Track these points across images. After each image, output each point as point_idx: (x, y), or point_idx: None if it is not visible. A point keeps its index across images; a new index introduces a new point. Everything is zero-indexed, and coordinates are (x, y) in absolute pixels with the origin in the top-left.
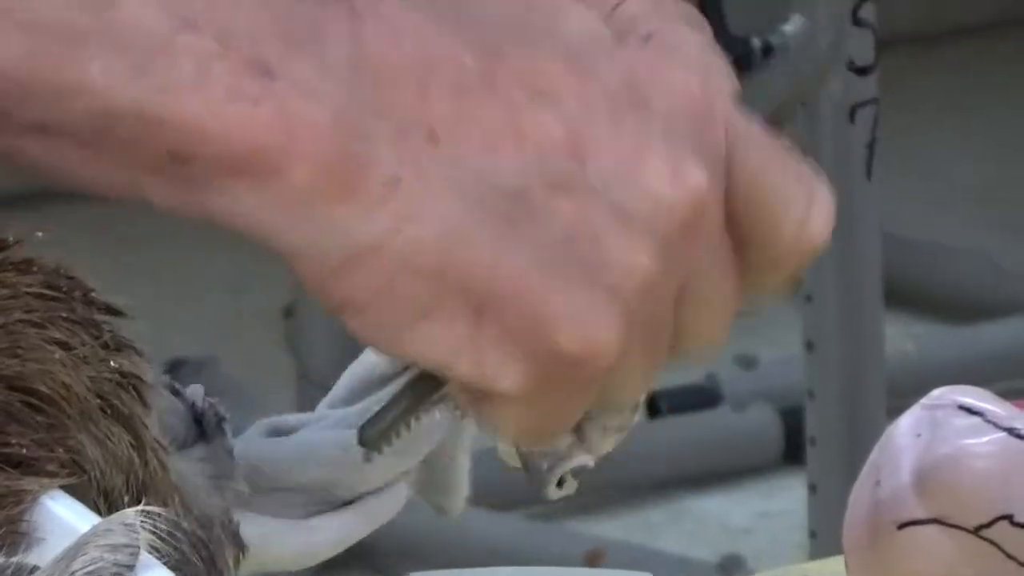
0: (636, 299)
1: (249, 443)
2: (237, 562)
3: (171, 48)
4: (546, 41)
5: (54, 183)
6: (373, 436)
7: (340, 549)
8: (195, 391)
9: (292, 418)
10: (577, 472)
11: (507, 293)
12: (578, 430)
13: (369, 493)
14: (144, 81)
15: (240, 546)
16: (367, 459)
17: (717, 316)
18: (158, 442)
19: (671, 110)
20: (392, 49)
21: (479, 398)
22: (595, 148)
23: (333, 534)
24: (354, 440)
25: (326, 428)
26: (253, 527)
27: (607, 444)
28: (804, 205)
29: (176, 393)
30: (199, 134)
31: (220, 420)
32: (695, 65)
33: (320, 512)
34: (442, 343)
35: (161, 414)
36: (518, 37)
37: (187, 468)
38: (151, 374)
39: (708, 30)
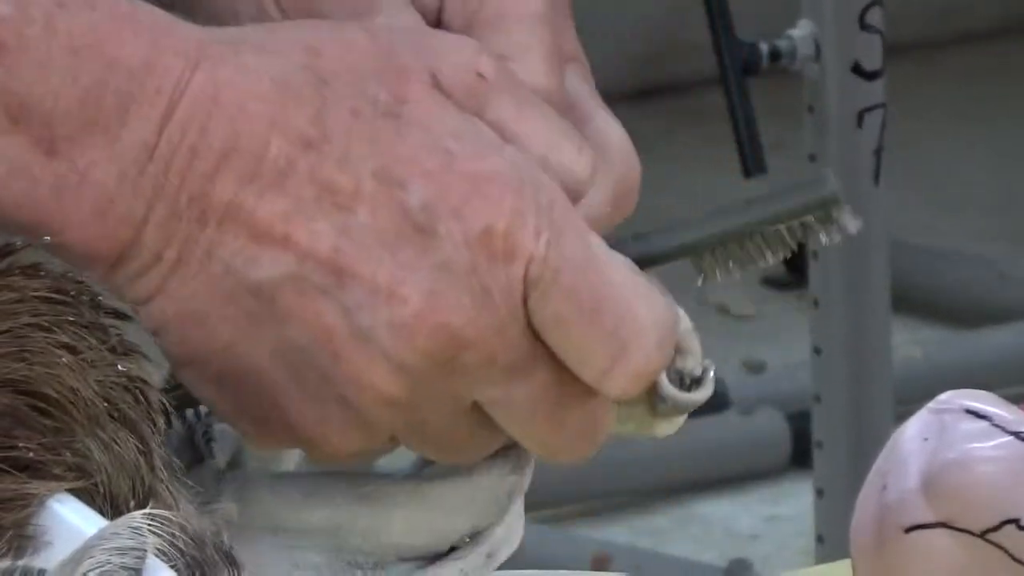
0: (376, 412)
1: (259, 478)
2: None
3: None
4: (379, 130)
5: None
6: None
7: None
8: (189, 413)
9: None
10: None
11: (240, 378)
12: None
13: (408, 559)
14: None
15: (235, 566)
16: None
17: (536, 426)
18: (166, 450)
19: (460, 242)
20: (197, 132)
21: None
22: (358, 269)
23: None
24: (368, 483)
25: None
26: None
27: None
28: (605, 361)
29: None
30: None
31: (208, 440)
32: (529, 189)
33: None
34: (193, 389)
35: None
36: (354, 119)
37: (181, 491)
38: (157, 377)
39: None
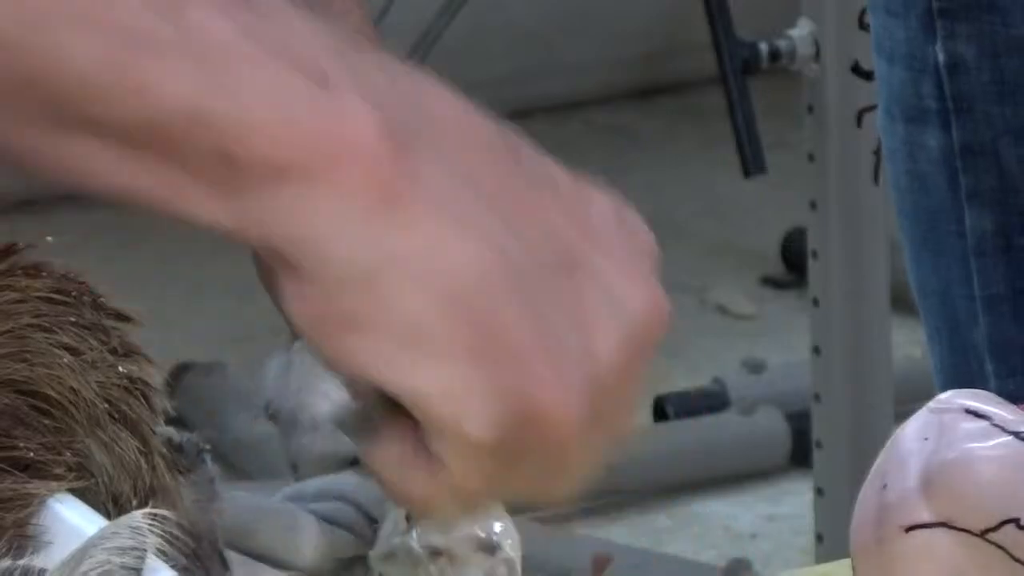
0: (603, 390)
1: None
2: None
3: (232, 55)
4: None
5: (90, 190)
6: (348, 424)
7: None
8: (166, 430)
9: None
10: None
11: (509, 346)
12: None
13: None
14: (203, 81)
15: (225, 565)
16: (350, 438)
17: (631, 410)
18: (167, 445)
19: (643, 248)
20: (439, 102)
21: (433, 443)
22: (601, 246)
23: None
24: (294, 516)
25: (271, 505)
26: None
27: None
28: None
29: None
30: (253, 131)
31: (200, 451)
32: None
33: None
34: (430, 379)
35: None
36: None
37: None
38: (158, 378)
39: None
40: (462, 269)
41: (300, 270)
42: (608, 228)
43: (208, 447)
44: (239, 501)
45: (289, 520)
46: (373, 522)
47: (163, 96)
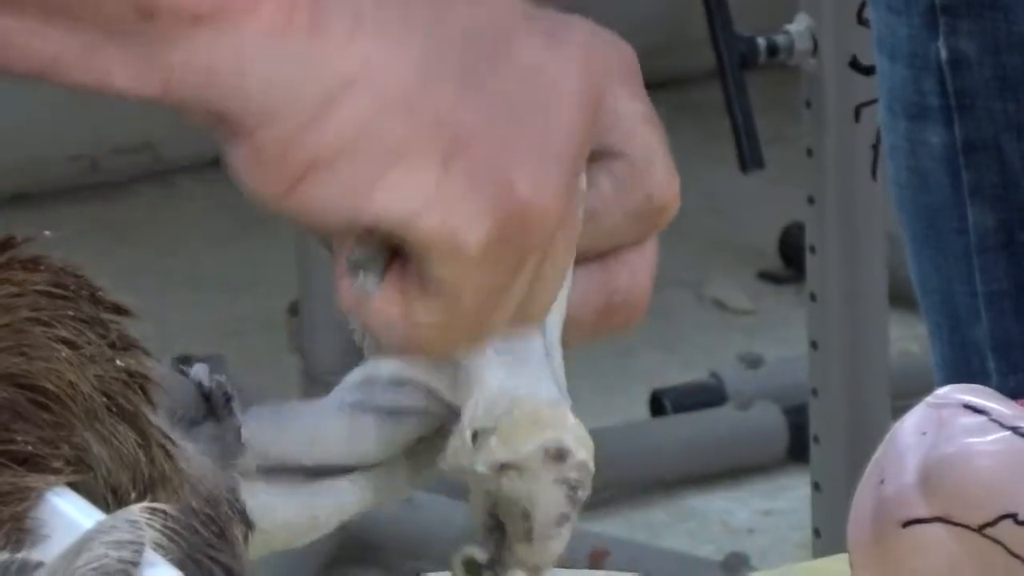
0: (572, 168)
1: (254, 425)
2: (246, 539)
3: None
4: None
5: (8, 67)
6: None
7: (341, 517)
8: (200, 370)
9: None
10: None
11: (474, 138)
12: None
13: (366, 467)
14: None
15: (247, 523)
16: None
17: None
18: (166, 436)
19: (560, 22)
20: None
21: (431, 267)
22: (528, 27)
23: (332, 499)
24: (356, 418)
25: (328, 411)
26: (252, 497)
27: None
28: None
29: (182, 373)
30: None
31: (228, 399)
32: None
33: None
34: (411, 193)
35: (170, 393)
36: None
37: (195, 449)
38: (157, 372)
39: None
40: (404, 75)
41: (249, 126)
42: (529, 13)
43: (235, 394)
44: (294, 413)
45: (348, 424)
46: (444, 403)
47: None
